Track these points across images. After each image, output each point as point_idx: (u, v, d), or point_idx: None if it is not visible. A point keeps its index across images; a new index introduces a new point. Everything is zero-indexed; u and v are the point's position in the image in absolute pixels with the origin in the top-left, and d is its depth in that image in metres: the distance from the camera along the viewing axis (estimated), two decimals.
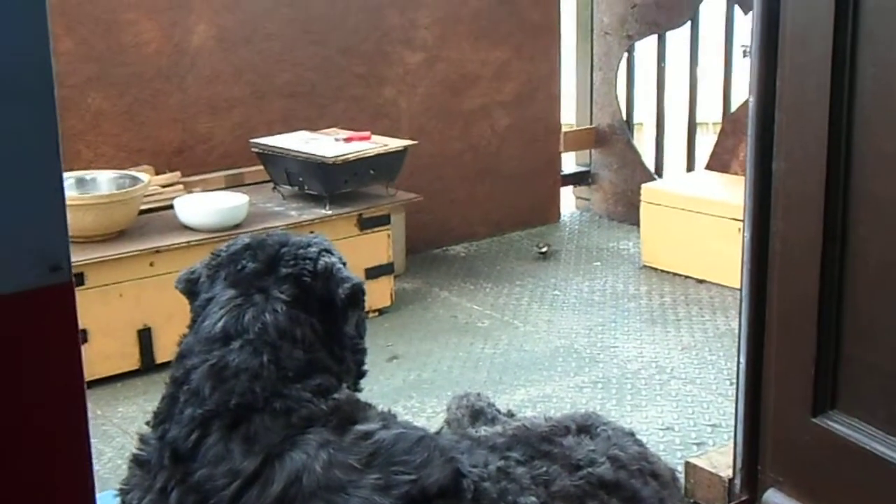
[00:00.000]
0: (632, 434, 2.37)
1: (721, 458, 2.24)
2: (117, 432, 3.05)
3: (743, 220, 1.98)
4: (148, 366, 3.40)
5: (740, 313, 2.03)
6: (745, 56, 2.01)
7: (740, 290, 2.01)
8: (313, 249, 2.27)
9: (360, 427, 2.07)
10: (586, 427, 2.28)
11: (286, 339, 2.13)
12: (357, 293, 2.23)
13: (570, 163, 5.39)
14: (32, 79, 0.86)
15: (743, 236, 1.97)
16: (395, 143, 3.95)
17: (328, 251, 2.31)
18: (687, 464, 2.31)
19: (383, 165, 3.89)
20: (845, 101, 1.72)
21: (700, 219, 4.22)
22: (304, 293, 2.20)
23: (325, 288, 2.22)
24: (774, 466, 1.99)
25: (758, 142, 1.90)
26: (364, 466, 1.99)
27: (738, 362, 2.04)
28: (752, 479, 2.07)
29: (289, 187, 3.92)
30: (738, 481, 2.11)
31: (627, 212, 5.06)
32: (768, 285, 1.95)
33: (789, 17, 1.80)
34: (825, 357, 1.83)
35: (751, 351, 2.00)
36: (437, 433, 2.31)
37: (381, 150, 3.85)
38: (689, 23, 4.76)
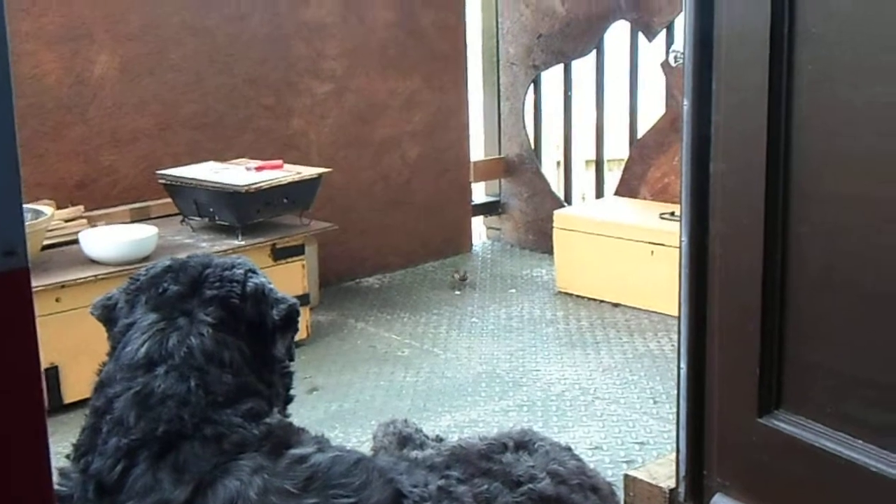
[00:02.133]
0: (569, 449, 2.35)
1: (660, 470, 2.23)
2: None
3: (680, 223, 1.98)
4: (55, 406, 3.24)
5: (679, 318, 2.02)
6: (675, 61, 2.01)
7: (678, 293, 2.00)
8: (239, 271, 2.20)
9: (295, 451, 2.00)
10: (524, 443, 2.25)
11: (213, 364, 2.06)
12: (292, 314, 2.17)
13: (479, 193, 5.40)
14: None
15: (680, 241, 1.98)
16: (308, 171, 3.88)
17: (253, 272, 2.24)
18: (626, 476, 2.29)
19: (297, 194, 3.82)
20: (784, 99, 1.74)
21: (613, 243, 4.26)
22: (230, 315, 2.13)
23: (256, 310, 2.15)
24: (721, 471, 1.98)
25: (694, 144, 1.91)
26: (301, 491, 1.92)
27: (679, 368, 2.03)
28: (698, 485, 2.05)
29: (198, 219, 3.82)
30: (681, 489, 2.09)
31: (538, 240, 5.09)
32: (708, 289, 1.94)
33: (724, 18, 1.82)
34: (769, 358, 1.84)
35: (692, 356, 2.00)
36: (374, 456, 2.25)
37: (295, 177, 3.79)
38: (594, 51, 4.83)
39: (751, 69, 1.77)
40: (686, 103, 1.89)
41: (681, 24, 1.95)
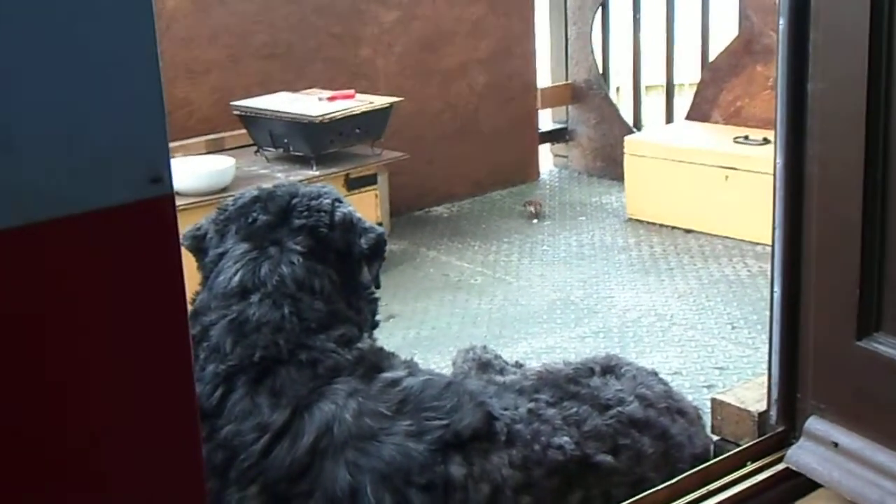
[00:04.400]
0: (655, 374, 2.37)
1: (747, 394, 2.23)
2: None
3: (774, 145, 1.96)
4: None
5: (773, 241, 2.00)
6: None
7: (772, 217, 1.98)
8: (326, 200, 2.23)
9: (387, 375, 2.05)
10: (610, 368, 2.27)
11: (305, 291, 2.10)
12: (380, 243, 2.21)
13: (546, 120, 5.36)
14: None
15: (775, 162, 1.95)
16: (380, 101, 3.88)
17: (340, 201, 2.27)
18: (713, 400, 2.29)
19: (369, 123, 3.83)
20: (886, 14, 1.70)
21: (685, 168, 4.21)
22: (319, 244, 2.16)
23: (344, 238, 2.18)
24: (816, 394, 1.97)
25: (791, 64, 1.87)
26: (395, 413, 1.96)
27: (773, 292, 2.02)
28: (790, 409, 2.05)
29: (273, 149, 3.85)
30: (773, 413, 2.09)
31: (607, 167, 5.05)
32: (804, 210, 1.92)
33: None
34: (869, 279, 1.82)
35: (786, 279, 1.98)
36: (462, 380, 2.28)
37: (368, 107, 3.79)
38: None
39: None
40: (782, 21, 1.85)
41: None
